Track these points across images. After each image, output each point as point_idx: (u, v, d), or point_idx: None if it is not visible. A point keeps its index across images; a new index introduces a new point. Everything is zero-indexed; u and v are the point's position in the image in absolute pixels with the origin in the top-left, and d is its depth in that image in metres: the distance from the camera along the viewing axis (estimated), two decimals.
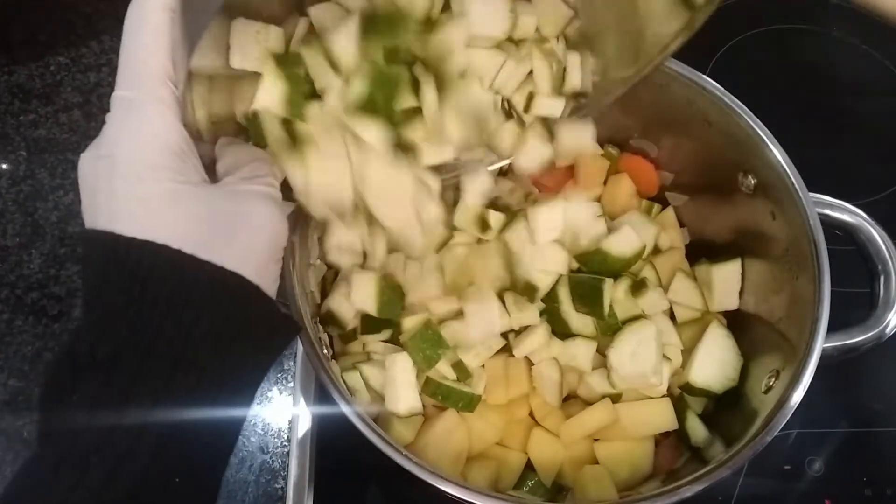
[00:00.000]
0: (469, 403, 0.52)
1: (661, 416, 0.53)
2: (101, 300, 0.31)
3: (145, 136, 0.32)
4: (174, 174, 0.32)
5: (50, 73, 0.77)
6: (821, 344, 0.47)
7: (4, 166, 0.72)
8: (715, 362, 0.54)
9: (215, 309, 0.31)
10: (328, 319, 0.53)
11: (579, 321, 0.54)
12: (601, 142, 0.64)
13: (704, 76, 0.55)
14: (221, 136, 0.39)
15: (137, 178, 0.31)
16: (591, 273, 0.55)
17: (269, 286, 0.34)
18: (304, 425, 0.60)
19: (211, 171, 0.36)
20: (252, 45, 0.39)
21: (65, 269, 0.68)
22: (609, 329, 0.54)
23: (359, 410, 0.46)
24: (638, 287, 0.55)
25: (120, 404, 0.29)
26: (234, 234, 0.32)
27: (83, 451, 0.29)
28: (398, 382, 0.51)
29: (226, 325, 0.32)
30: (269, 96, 0.40)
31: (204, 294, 0.31)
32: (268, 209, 0.35)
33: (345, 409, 0.46)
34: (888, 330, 0.51)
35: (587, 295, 0.53)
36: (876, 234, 0.53)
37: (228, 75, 0.40)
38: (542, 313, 0.55)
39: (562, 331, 0.55)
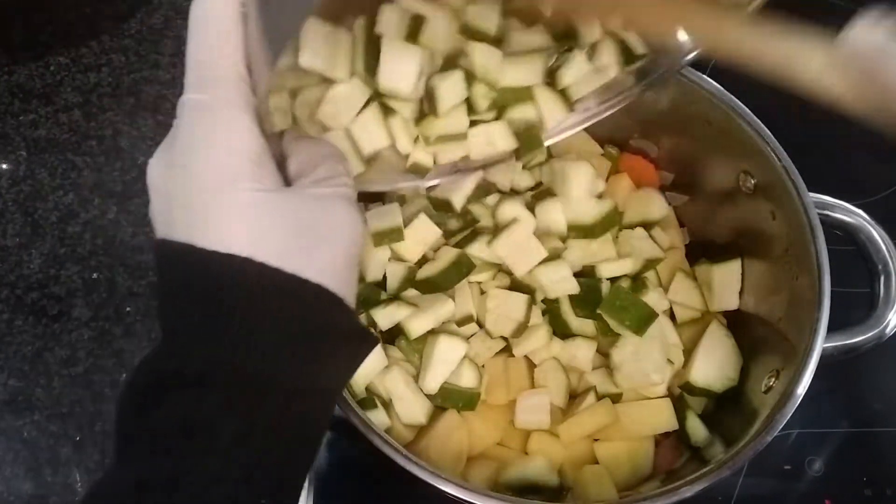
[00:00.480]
0: (469, 402, 0.52)
1: (661, 417, 0.53)
2: (183, 318, 0.30)
3: (221, 143, 0.30)
4: (253, 182, 0.30)
5: (50, 73, 0.77)
6: (821, 344, 0.47)
7: (4, 166, 0.72)
8: (715, 362, 0.54)
9: (303, 326, 0.30)
10: None
11: (579, 321, 0.54)
12: (601, 142, 0.64)
13: (704, 76, 0.55)
14: (287, 131, 0.37)
15: (215, 189, 0.29)
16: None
17: (351, 297, 0.32)
18: None
19: (281, 168, 0.34)
20: (322, 46, 0.38)
21: (65, 269, 0.68)
22: (609, 330, 0.54)
23: (358, 410, 0.46)
24: (638, 287, 0.55)
25: (211, 426, 0.28)
26: (317, 243, 0.31)
27: (171, 473, 0.27)
28: (405, 396, 0.51)
29: (314, 343, 0.30)
30: None
31: (291, 310, 0.29)
32: (348, 213, 0.32)
33: (344, 409, 0.46)
34: (888, 330, 0.51)
35: (585, 298, 0.53)
36: (876, 234, 0.53)
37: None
38: (543, 313, 0.55)
39: (562, 331, 0.55)
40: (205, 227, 0.29)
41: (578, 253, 0.55)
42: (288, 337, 0.29)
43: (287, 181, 0.33)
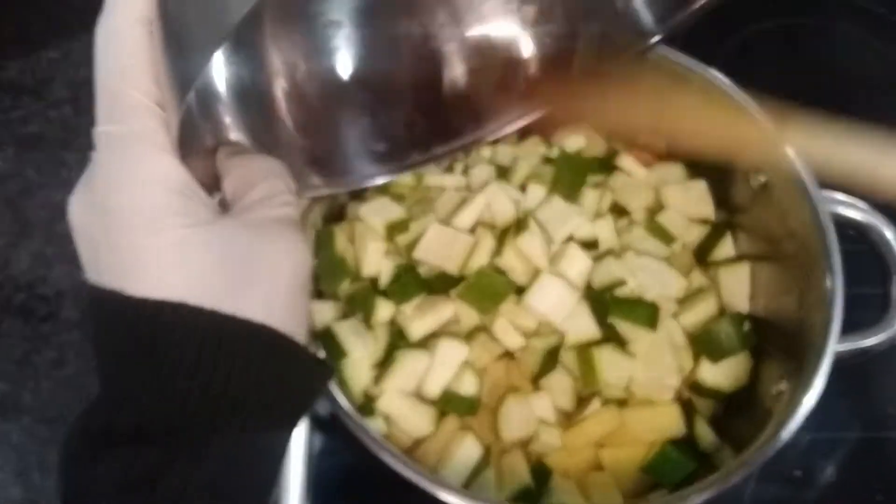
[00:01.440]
0: (470, 408, 0.51)
1: (669, 422, 0.51)
2: (118, 369, 0.28)
3: (141, 179, 0.28)
4: (180, 217, 0.28)
5: (40, 69, 0.76)
6: (833, 347, 0.46)
7: None
8: (724, 362, 0.52)
9: (245, 369, 0.28)
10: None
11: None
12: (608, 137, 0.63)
13: (712, 70, 0.54)
14: (221, 146, 0.35)
15: (140, 230, 0.28)
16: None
17: (299, 329, 0.31)
18: (301, 430, 0.59)
19: (215, 188, 0.32)
20: None
21: (53, 270, 0.67)
22: (616, 334, 0.52)
23: (356, 415, 0.45)
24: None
25: (149, 482, 0.27)
26: (256, 277, 0.29)
27: None
28: (404, 414, 0.50)
29: (257, 385, 0.29)
30: None
31: (231, 353, 0.28)
32: (289, 238, 0.31)
33: (342, 414, 0.45)
34: None
35: (595, 311, 0.52)
36: (889, 234, 0.52)
37: None
38: None
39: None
40: (133, 272, 0.28)
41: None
42: (228, 382, 0.28)
43: (225, 204, 0.32)
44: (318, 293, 0.55)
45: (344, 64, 0.47)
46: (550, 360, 0.51)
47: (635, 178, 0.59)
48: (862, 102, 0.76)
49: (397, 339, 0.52)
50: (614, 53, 0.48)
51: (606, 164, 0.59)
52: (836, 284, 0.48)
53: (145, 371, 0.28)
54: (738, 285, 0.55)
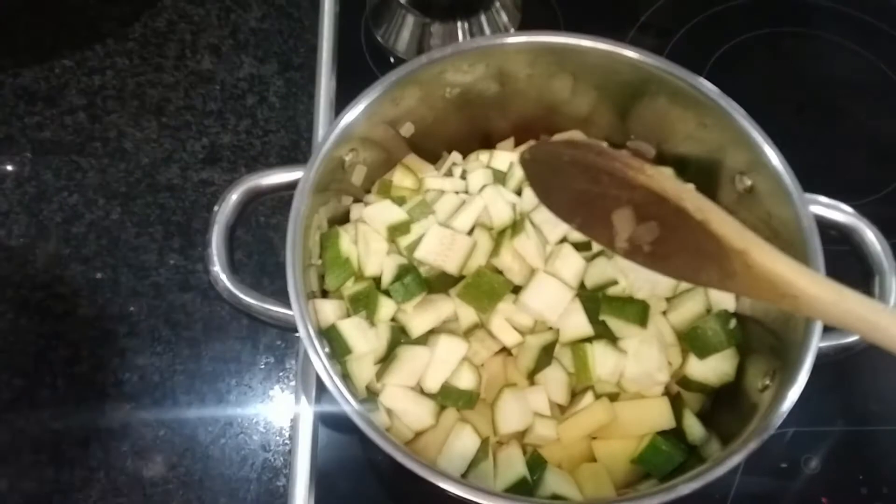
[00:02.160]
0: (469, 401, 0.53)
1: (659, 415, 0.53)
2: None
3: None
4: None
5: (55, 76, 0.78)
6: (816, 343, 0.47)
7: (9, 168, 0.73)
8: (712, 357, 0.54)
9: None
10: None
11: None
12: None
13: (701, 78, 0.56)
14: None
15: None
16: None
17: None
18: (306, 423, 0.61)
19: None
20: None
21: (69, 270, 0.68)
22: (607, 331, 0.54)
23: (359, 409, 0.46)
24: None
25: None
26: None
27: None
28: (406, 408, 0.52)
29: None
30: None
31: None
32: None
33: (346, 407, 0.46)
34: None
35: (587, 309, 0.54)
36: (871, 234, 0.53)
37: None
38: None
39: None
40: None
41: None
42: None
43: None
44: (323, 292, 0.57)
45: None
46: (545, 355, 0.53)
47: None
48: (849, 109, 0.78)
49: (399, 336, 0.54)
50: None
51: None
52: None
53: None
54: None
